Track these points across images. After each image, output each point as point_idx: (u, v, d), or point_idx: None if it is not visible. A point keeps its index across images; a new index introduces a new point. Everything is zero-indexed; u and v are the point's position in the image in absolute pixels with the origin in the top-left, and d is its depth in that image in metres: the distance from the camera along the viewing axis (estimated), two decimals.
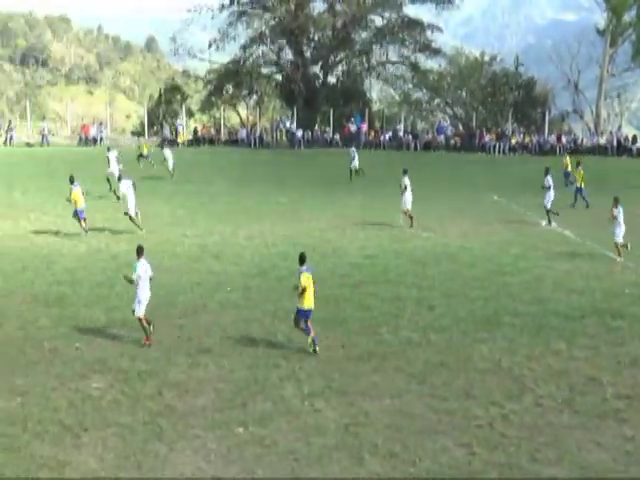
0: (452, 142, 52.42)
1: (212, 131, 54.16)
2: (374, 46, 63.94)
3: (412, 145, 51.76)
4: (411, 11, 64.57)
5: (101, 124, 53.93)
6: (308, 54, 63.68)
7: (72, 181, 23.70)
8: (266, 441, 10.26)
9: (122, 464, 9.72)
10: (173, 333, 14.58)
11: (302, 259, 13.84)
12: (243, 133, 53.20)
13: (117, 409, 11.31)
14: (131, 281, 14.07)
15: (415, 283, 18.08)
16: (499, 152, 50.03)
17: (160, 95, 66.13)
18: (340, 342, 14.03)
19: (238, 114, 64.38)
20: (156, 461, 9.81)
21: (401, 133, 53.99)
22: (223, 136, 53.30)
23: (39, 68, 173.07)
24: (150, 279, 14.24)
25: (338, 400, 11.53)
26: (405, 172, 26.03)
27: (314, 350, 13.49)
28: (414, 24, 62.24)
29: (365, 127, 53.96)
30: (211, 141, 51.71)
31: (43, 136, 49.47)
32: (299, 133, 52.76)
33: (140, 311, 14.03)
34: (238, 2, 62.28)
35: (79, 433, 10.53)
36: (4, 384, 12.08)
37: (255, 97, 64.69)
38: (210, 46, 63.83)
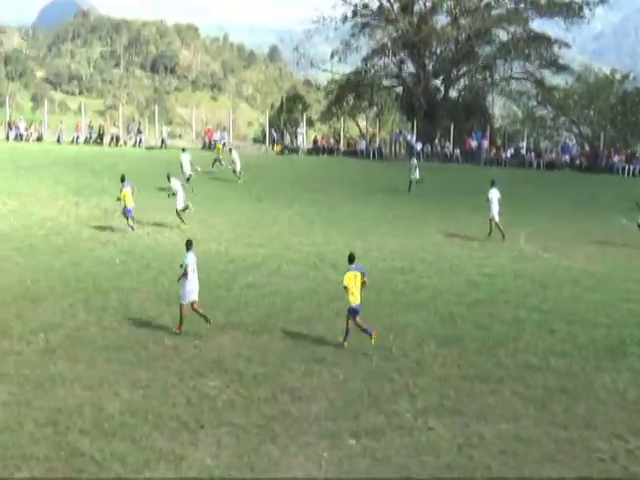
0: (577, 162, 50.71)
1: (331, 141, 54.62)
2: (498, 61, 62.73)
3: (535, 163, 50.42)
4: (537, 26, 63.03)
5: (224, 130, 55.36)
6: (430, 67, 63.21)
7: (123, 180, 24.76)
8: (378, 455, 10.20)
9: (236, 463, 9.90)
10: (288, 339, 14.76)
11: (351, 258, 14.65)
12: (362, 144, 53.33)
13: (232, 409, 11.54)
14: (185, 273, 14.81)
15: (535, 306, 17.55)
16: (628, 174, 47.99)
17: (282, 104, 67.33)
18: (456, 360, 13.80)
19: (358, 125, 64.65)
20: (269, 463, 9.93)
21: (523, 151, 52.65)
22: (342, 146, 53.65)
23: (167, 75, 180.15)
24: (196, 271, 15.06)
25: (452, 419, 11.34)
26: (493, 184, 25.80)
27: (374, 341, 14.13)
28: (540, 39, 60.64)
29: (486, 143, 53.01)
30: (330, 151, 52.10)
31: (162, 140, 51.30)
32: (418, 146, 52.45)
33: (184, 300, 14.91)
34: (361, 14, 62.61)
35: (195, 430, 10.81)
36: (128, 376, 12.57)
37: (375, 109, 64.80)
38: (332, 57, 64.49)
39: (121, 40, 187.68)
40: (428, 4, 61.48)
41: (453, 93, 64.18)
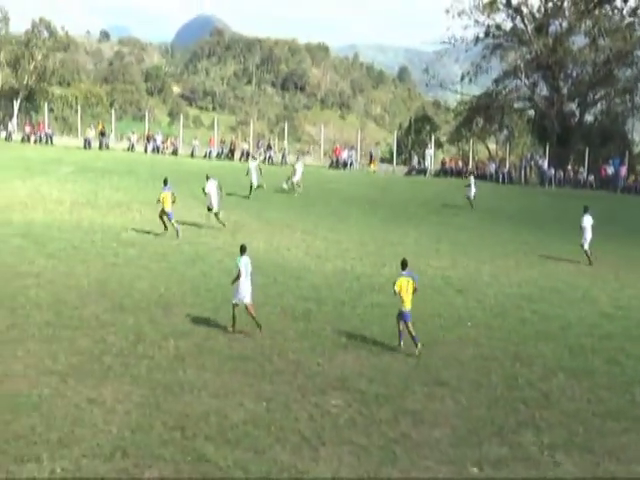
0: None
1: (459, 163, 54.04)
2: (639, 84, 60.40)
3: None
4: None
5: (352, 149, 55.87)
6: (564, 90, 61.59)
7: (165, 183, 25.51)
8: None
9: None
10: (410, 361, 14.65)
11: (403, 264, 15.47)
12: (491, 167, 52.48)
13: (354, 429, 11.55)
14: (238, 276, 15.74)
15: None
16: None
17: (410, 124, 67.38)
18: (586, 395, 13.26)
19: (487, 148, 63.77)
20: None
21: None
22: (471, 169, 52.97)
23: (297, 92, 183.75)
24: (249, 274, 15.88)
25: (581, 456, 10.88)
26: (586, 210, 25.46)
27: (418, 351, 14.76)
28: None
29: (624, 171, 50.92)
30: (458, 173, 51.58)
31: (283, 156, 52.39)
32: (550, 171, 51.10)
33: (234, 299, 15.72)
34: (494, 35, 61.86)
35: (317, 446, 10.88)
36: (253, 388, 12.82)
37: (505, 132, 63.82)
38: (462, 78, 64.06)
39: (254, 58, 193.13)
40: (564, 24, 60.11)
41: (589, 117, 62.28)
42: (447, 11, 60.43)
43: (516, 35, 61.34)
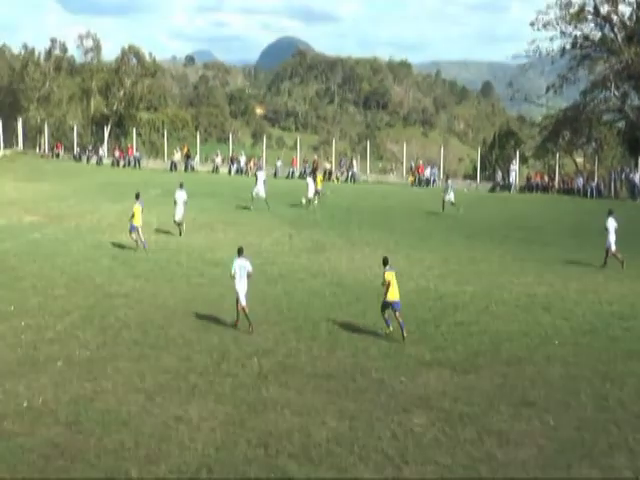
0: None
1: (545, 178, 52.87)
2: None
3: None
4: None
5: (434, 166, 55.51)
6: None
7: (137, 197, 26.62)
8: None
9: None
10: (496, 380, 14.37)
11: (385, 262, 17.05)
12: (579, 182, 51.05)
13: (437, 448, 11.40)
14: (232, 276, 17.17)
15: None
16: None
17: (494, 140, 66.42)
18: None
19: (574, 161, 62.13)
20: None
21: None
22: (557, 184, 51.74)
23: (379, 110, 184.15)
24: (248, 275, 17.22)
25: None
26: (610, 213, 25.97)
27: (403, 337, 16.38)
28: None
29: None
30: (544, 188, 50.46)
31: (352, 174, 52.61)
32: None
33: (242, 300, 16.99)
34: (581, 46, 60.33)
35: (400, 465, 10.81)
36: (336, 406, 12.83)
37: (594, 145, 61.95)
38: (548, 91, 62.58)
39: (335, 78, 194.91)
40: None
41: None
42: (532, 24, 59.35)
43: (605, 45, 59.68)
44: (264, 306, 19.15)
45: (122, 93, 74.20)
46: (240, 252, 17.59)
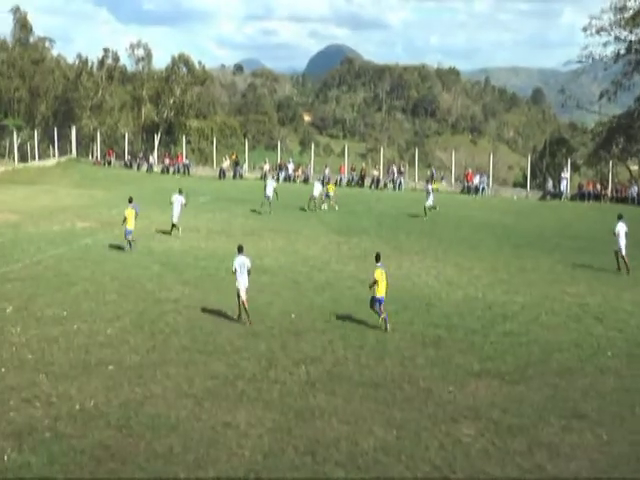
0: None
1: (598, 187, 51.87)
2: None
3: None
4: None
5: (483, 174, 54.95)
6: None
7: (130, 201, 27.30)
8: None
9: None
10: (546, 391, 14.14)
11: (377, 258, 18.29)
12: (633, 191, 49.86)
13: (486, 459, 11.28)
14: (233, 272, 18.39)
15: None
16: None
17: (544, 147, 65.58)
18: None
19: (628, 169, 60.89)
20: None
21: None
22: (610, 192, 50.70)
23: (428, 118, 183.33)
24: (248, 272, 18.39)
25: None
26: (620, 217, 26.39)
27: (385, 329, 17.62)
28: None
29: None
30: (596, 197, 49.49)
31: (395, 181, 52.36)
32: None
33: (242, 295, 18.16)
34: (636, 50, 59.19)
35: (448, 475, 10.77)
36: (384, 415, 12.79)
37: None
38: (601, 97, 61.50)
39: (383, 85, 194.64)
40: None
41: None
42: (585, 29, 58.48)
43: None
44: (311, 314, 19.20)
45: (172, 101, 75.31)
46: (240, 250, 18.64)
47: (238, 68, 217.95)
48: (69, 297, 20.22)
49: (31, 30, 74.78)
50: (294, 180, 54.43)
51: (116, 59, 77.73)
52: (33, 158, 57.67)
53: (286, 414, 12.72)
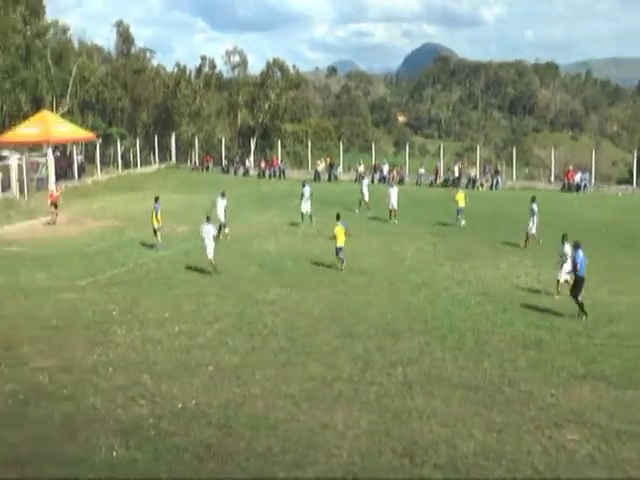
0: None
1: None
2: None
3: None
4: None
5: (585, 171, 53.20)
6: None
7: (156, 201, 28.83)
8: None
9: None
10: None
11: (337, 217, 24.95)
12: None
13: (592, 465, 10.90)
14: (202, 237, 23.83)
15: None
16: None
17: None
18: None
19: None
20: None
21: None
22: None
23: (525, 115, 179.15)
24: (214, 238, 23.95)
25: None
26: (533, 199, 29.17)
27: (340, 269, 23.98)
28: None
29: None
30: None
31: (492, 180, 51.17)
32: None
33: (209, 254, 23.61)
34: None
35: None
36: (483, 418, 12.53)
37: None
38: None
39: (479, 83, 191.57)
40: None
41: None
42: None
43: None
44: (408, 315, 19.05)
45: (267, 106, 76.37)
46: (208, 219, 24.30)
47: (332, 70, 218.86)
48: (170, 299, 20.76)
49: (133, 42, 77.41)
50: (389, 182, 54.19)
51: (213, 66, 79.53)
52: (135, 165, 59.52)
53: (383, 415, 12.64)
